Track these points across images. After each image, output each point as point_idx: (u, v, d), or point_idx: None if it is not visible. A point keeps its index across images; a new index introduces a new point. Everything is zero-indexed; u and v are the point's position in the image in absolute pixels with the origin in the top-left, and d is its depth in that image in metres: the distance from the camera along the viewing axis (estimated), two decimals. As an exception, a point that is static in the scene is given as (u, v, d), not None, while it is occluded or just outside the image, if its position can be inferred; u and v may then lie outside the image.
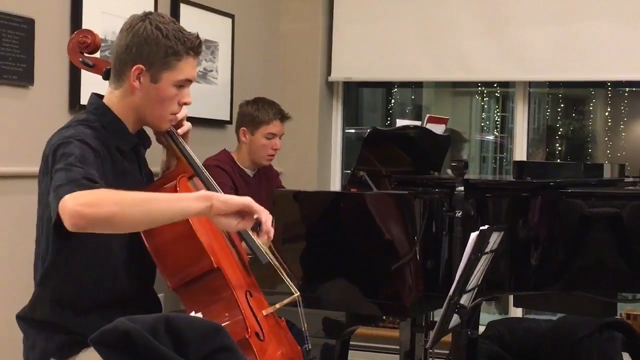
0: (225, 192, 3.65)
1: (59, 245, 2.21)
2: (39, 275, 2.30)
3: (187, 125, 2.50)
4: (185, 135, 2.50)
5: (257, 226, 2.19)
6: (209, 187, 2.47)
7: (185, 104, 2.40)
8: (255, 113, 4.07)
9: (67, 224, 1.99)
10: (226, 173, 3.96)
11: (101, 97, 2.39)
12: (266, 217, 2.20)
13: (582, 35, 4.68)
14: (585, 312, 3.74)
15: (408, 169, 3.57)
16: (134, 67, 2.30)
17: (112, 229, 2.05)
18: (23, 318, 2.35)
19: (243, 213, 2.15)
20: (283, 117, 4.14)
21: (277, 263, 2.45)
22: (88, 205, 1.97)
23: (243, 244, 2.55)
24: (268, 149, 4.08)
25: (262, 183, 4.19)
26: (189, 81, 2.38)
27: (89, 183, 2.03)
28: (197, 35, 2.38)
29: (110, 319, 1.85)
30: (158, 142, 2.52)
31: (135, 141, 2.40)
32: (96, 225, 2.00)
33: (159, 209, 2.07)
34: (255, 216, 2.18)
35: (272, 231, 2.25)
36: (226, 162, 4.03)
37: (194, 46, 2.35)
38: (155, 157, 2.57)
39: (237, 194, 3.91)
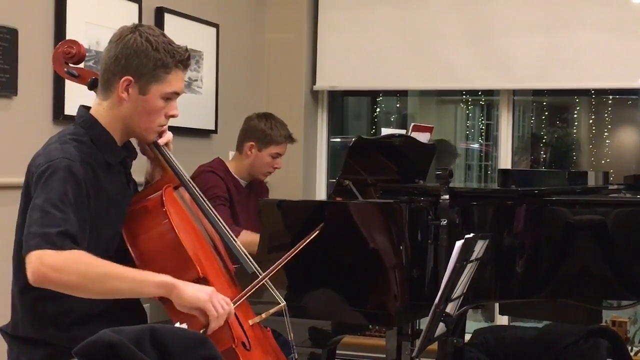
0: (218, 194, 3.77)
1: None
2: (17, 286, 2.29)
3: (168, 135, 2.50)
4: (167, 145, 2.50)
5: (204, 331, 2.18)
6: (194, 197, 2.47)
7: (172, 116, 2.40)
8: (268, 131, 4.08)
9: (29, 278, 2.06)
10: (220, 178, 3.98)
11: (88, 108, 2.38)
12: (214, 325, 2.19)
13: (566, 44, 4.71)
14: (571, 320, 3.75)
15: (393, 178, 3.58)
16: (123, 79, 2.29)
17: (72, 294, 2.12)
18: (6, 333, 2.35)
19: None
20: (292, 140, 4.19)
21: (263, 273, 2.45)
22: (53, 269, 2.05)
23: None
24: (270, 167, 4.13)
25: (253, 194, 4.20)
26: (176, 94, 2.37)
27: (60, 241, 2.06)
28: (186, 49, 2.38)
29: (95, 331, 1.84)
30: (142, 153, 2.51)
31: (124, 154, 2.40)
32: (56, 288, 2.09)
33: (121, 288, 2.15)
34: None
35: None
36: (220, 169, 4.05)
37: (182, 59, 2.35)
38: (139, 167, 2.56)
39: (230, 199, 3.94)
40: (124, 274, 2.14)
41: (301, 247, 2.51)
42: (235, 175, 4.10)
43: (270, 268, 2.44)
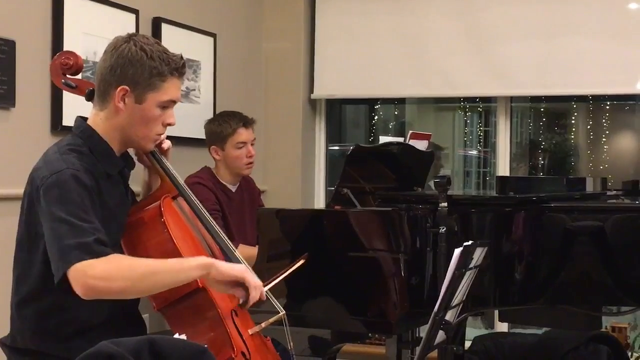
0: (209, 208, 3.73)
1: (44, 287, 2.21)
2: (17, 299, 2.29)
3: (167, 143, 2.50)
4: (166, 154, 2.50)
5: (244, 304, 2.26)
6: (193, 207, 2.47)
7: (169, 124, 2.41)
8: (219, 129, 4.09)
9: (78, 292, 2.08)
10: (208, 189, 3.96)
11: (86, 119, 2.38)
12: (255, 294, 2.25)
13: (563, 50, 4.71)
14: (571, 326, 3.75)
15: (392, 186, 3.58)
16: (119, 88, 2.29)
17: (121, 298, 2.18)
18: (5, 345, 2.35)
19: (237, 282, 2.24)
20: (246, 123, 4.12)
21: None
22: (101, 279, 2.07)
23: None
24: (243, 158, 4.09)
25: (246, 199, 4.19)
26: (173, 102, 2.38)
27: (100, 248, 2.10)
28: (181, 56, 2.39)
29: (94, 342, 1.84)
30: (140, 162, 2.52)
31: (122, 164, 2.40)
32: (107, 296, 2.12)
33: (166, 280, 2.18)
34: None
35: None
36: (207, 179, 4.04)
37: (178, 67, 2.36)
38: (134, 175, 2.56)
39: (221, 209, 3.93)
40: (164, 267, 2.18)
41: (288, 272, 2.52)
42: (223, 182, 4.10)
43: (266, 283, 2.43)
